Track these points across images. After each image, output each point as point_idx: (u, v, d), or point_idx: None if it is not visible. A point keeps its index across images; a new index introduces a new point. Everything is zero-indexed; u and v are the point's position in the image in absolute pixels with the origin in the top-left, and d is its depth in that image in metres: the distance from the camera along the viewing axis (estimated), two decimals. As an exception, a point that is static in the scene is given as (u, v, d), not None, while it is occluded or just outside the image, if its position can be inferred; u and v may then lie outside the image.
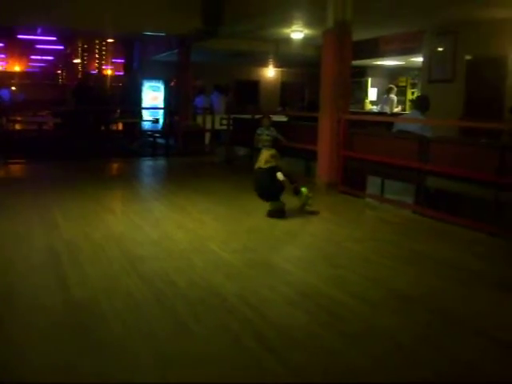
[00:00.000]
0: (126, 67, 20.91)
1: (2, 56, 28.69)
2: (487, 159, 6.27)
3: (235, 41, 14.88)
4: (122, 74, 22.89)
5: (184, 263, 4.70)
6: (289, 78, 22.16)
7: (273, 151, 6.90)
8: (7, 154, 11.10)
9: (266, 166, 6.69)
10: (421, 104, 8.18)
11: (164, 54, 17.23)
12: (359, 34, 10.42)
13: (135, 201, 7.68)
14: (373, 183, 8.23)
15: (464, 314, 3.83)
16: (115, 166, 11.94)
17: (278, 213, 6.54)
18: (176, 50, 15.45)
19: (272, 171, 6.63)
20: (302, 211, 6.75)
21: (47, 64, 31.46)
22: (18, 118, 14.83)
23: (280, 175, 6.59)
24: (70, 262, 4.66)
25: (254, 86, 21.61)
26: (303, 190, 6.85)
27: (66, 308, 3.70)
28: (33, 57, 29.06)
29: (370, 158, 7.88)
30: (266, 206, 7.14)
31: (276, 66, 21.32)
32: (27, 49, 26.03)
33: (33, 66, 32.23)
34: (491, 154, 6.21)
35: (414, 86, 16.89)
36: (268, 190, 6.67)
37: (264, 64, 20.82)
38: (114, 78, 24.30)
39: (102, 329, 3.39)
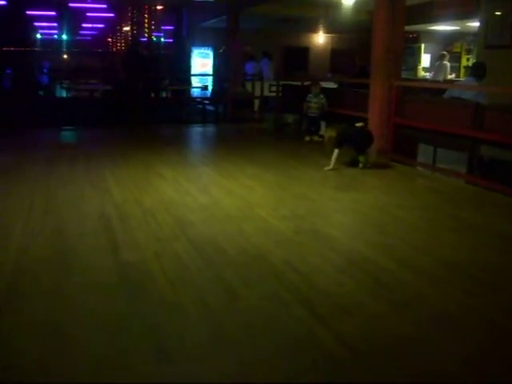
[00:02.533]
0: (176, 34, 20.93)
1: (55, 25, 29.09)
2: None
3: (285, 6, 14.67)
4: (171, 41, 22.93)
5: (233, 229, 4.73)
6: (339, 44, 21.76)
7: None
8: (60, 119, 11.32)
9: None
10: (477, 71, 7.94)
11: (213, 21, 17.16)
12: (413, -2, 10.13)
13: (185, 166, 7.75)
14: (424, 152, 8.07)
15: (508, 283, 3.76)
16: (165, 132, 12.04)
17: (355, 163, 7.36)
18: (225, 17, 15.36)
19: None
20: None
21: (98, 32, 31.78)
22: (70, 86, 15.05)
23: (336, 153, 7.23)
24: (121, 226, 4.75)
25: (303, 53, 21.33)
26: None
27: (117, 270, 3.77)
28: (84, 25, 29.38)
29: (422, 125, 7.71)
30: (313, 174, 7.13)
31: (326, 32, 20.97)
32: (79, 17, 26.31)
33: (84, 34, 32.64)
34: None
35: (469, 52, 16.36)
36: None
37: (314, 30, 20.51)
38: (164, 45, 24.37)
39: (152, 289, 3.46)
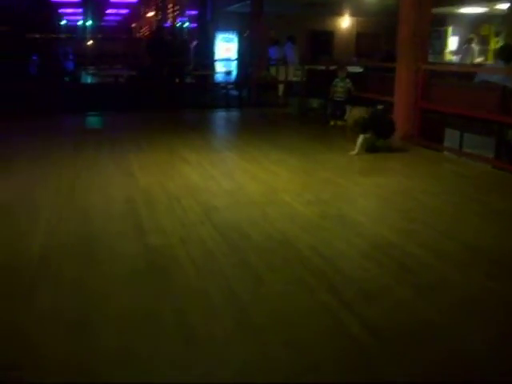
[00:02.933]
0: (200, 19, 20.88)
1: (80, 11, 29.24)
2: None
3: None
4: (195, 26, 22.89)
5: (258, 214, 4.73)
6: (364, 27, 21.50)
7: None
8: (85, 105, 11.40)
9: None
10: (504, 54, 7.79)
11: (237, 5, 17.07)
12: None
13: (209, 151, 7.76)
14: (451, 136, 7.97)
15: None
16: (189, 117, 12.06)
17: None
18: (249, 1, 15.27)
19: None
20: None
21: (122, 18, 31.87)
22: (95, 72, 15.16)
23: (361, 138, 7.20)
24: (146, 211, 4.78)
25: (328, 37, 21.11)
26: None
27: (143, 255, 3.80)
28: (109, 11, 29.48)
29: (448, 110, 7.61)
30: (338, 159, 7.10)
31: (351, 15, 20.74)
32: (103, 3, 26.40)
33: (108, 20, 32.75)
34: None
35: (497, 34, 16.05)
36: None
37: (339, 13, 20.29)
38: (188, 30, 24.34)
39: (178, 275, 3.49)
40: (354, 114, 7.48)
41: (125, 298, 3.18)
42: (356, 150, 7.19)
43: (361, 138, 7.20)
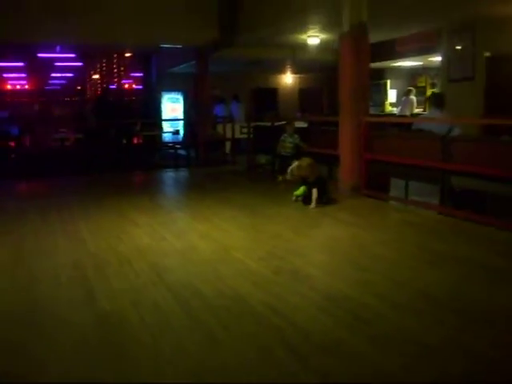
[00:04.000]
0: (145, 81, 21.09)
1: (24, 75, 29.12)
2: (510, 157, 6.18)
3: (252, 49, 14.91)
4: (140, 87, 23.07)
5: (210, 273, 4.69)
6: (306, 83, 22.14)
7: (310, 161, 7.45)
8: (30, 169, 11.24)
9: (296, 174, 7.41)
10: (436, 101, 8.14)
11: (181, 66, 17.35)
12: (375, 36, 10.36)
13: (159, 212, 7.71)
14: (396, 185, 8.16)
15: (491, 313, 3.77)
16: (138, 178, 12.03)
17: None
18: (193, 62, 15.54)
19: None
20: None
21: (67, 81, 31.86)
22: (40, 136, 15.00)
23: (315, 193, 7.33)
24: (96, 276, 4.68)
25: (272, 93, 21.63)
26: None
27: (93, 323, 3.69)
28: (53, 74, 29.46)
29: (392, 159, 7.82)
30: (288, 213, 7.16)
31: (293, 73, 21.33)
32: (47, 67, 26.39)
33: (53, 84, 32.66)
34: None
35: (433, 85, 16.75)
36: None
37: (281, 71, 20.85)
38: (134, 91, 24.50)
39: (131, 342, 3.39)
40: (300, 163, 7.57)
41: (69, 369, 3.06)
42: (313, 204, 7.27)
43: (315, 193, 7.29)
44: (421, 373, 2.95)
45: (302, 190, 7.57)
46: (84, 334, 3.52)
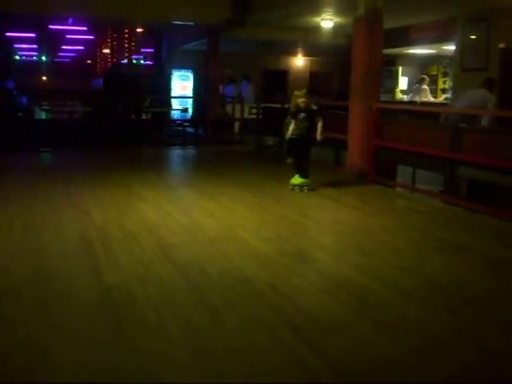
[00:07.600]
0: (156, 57, 20.99)
1: (34, 46, 29.02)
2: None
3: (264, 30, 14.82)
4: (151, 63, 22.98)
5: (216, 252, 4.72)
6: (318, 67, 21.99)
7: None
8: (39, 142, 11.24)
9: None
10: (489, 83, 8.54)
11: (193, 44, 17.26)
12: (390, 23, 10.24)
13: (166, 188, 7.74)
14: (403, 173, 8.16)
15: (493, 303, 3.80)
16: (145, 154, 12.02)
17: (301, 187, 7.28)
18: (205, 40, 15.46)
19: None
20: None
21: (78, 54, 31.76)
22: (49, 107, 15.01)
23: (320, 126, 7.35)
24: (102, 249, 4.71)
25: (282, 76, 21.50)
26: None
27: (99, 294, 3.73)
28: (64, 47, 29.34)
29: (400, 147, 7.80)
30: (295, 196, 7.16)
31: (305, 55, 21.19)
32: (58, 39, 26.25)
33: (64, 56, 32.59)
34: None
35: (445, 74, 16.63)
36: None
37: (293, 53, 20.71)
38: (144, 67, 24.40)
39: (135, 314, 3.43)
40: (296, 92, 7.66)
41: (82, 334, 3.11)
42: (320, 135, 7.35)
43: (320, 126, 7.36)
44: (423, 362, 2.96)
45: (297, 178, 7.37)
46: (90, 304, 3.55)
